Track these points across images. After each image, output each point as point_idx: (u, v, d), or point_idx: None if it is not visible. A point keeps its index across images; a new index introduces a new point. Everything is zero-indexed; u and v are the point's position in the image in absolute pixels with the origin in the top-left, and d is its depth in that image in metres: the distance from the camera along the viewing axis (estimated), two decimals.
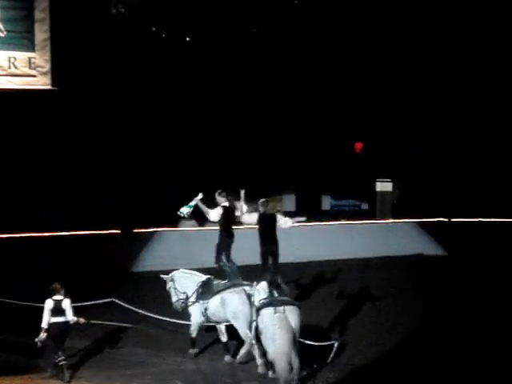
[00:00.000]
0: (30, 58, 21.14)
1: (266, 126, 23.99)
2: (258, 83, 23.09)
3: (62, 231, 20.49)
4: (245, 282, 14.65)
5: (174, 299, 15.01)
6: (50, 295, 13.54)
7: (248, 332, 14.01)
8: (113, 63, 21.79)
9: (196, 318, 14.81)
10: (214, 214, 16.27)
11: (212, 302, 14.59)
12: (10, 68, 21.05)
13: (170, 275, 15.12)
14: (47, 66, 21.21)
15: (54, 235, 20.38)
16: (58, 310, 13.38)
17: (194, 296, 14.81)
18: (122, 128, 22.17)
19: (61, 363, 13.49)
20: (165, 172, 22.68)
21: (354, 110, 24.95)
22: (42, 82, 21.19)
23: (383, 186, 25.98)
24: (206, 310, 14.65)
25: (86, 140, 21.98)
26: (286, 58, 23.10)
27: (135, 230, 21.19)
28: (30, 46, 21.13)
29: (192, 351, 14.78)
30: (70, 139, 21.95)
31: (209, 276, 15.12)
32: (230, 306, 14.35)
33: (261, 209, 16.32)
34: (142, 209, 21.38)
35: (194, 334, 14.81)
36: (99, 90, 21.69)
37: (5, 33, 20.94)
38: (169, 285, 15.06)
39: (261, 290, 13.46)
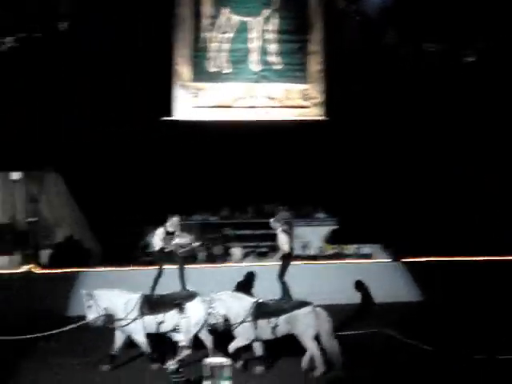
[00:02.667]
0: (303, 90, 21.63)
1: None
2: None
3: None
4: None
5: (91, 316, 14.65)
6: None
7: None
8: (384, 93, 21.53)
9: (141, 333, 14.75)
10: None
11: (170, 315, 14.77)
12: (284, 100, 21.65)
13: (89, 291, 14.82)
14: (320, 98, 21.58)
15: None
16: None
17: (135, 312, 14.72)
18: (394, 158, 21.80)
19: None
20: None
21: None
22: (315, 113, 21.61)
23: None
24: (160, 323, 14.78)
25: (354, 169, 21.81)
26: None
27: None
28: (304, 78, 21.62)
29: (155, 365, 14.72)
30: (338, 169, 21.90)
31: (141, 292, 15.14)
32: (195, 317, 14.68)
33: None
34: None
35: (148, 349, 14.83)
36: (371, 120, 21.49)
37: (282, 65, 21.57)
38: (89, 303, 14.68)
39: (228, 296, 14.63)
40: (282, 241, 15.67)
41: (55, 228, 22.34)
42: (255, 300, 14.95)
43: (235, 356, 14.43)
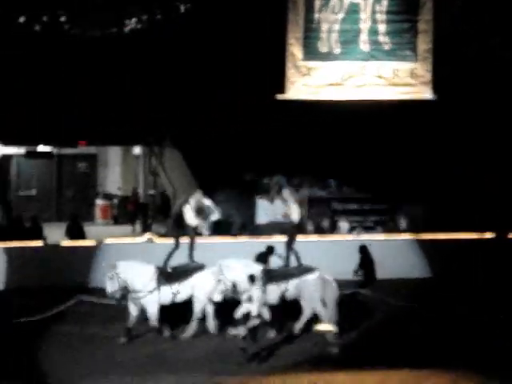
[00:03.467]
0: (412, 69, 22.04)
1: None
2: None
3: None
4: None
5: (110, 288, 14.83)
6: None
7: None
8: (491, 73, 21.68)
9: (155, 305, 15.04)
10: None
11: (185, 285, 15.23)
12: (393, 79, 22.10)
13: (112, 263, 15.09)
14: (428, 76, 21.95)
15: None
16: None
17: (153, 285, 15.00)
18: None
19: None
20: None
21: None
22: (423, 92, 21.99)
23: None
24: (175, 294, 15.20)
25: (462, 148, 22.15)
26: None
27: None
28: (413, 57, 22.05)
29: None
30: (447, 148, 22.28)
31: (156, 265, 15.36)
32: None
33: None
34: None
35: (157, 322, 15.20)
36: (478, 100, 21.73)
37: (390, 45, 22.04)
38: (111, 274, 14.85)
39: (236, 263, 14.91)
40: (294, 211, 15.73)
41: (173, 200, 23.60)
42: (263, 266, 15.32)
43: (240, 322, 14.47)
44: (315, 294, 15.01)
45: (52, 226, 22.22)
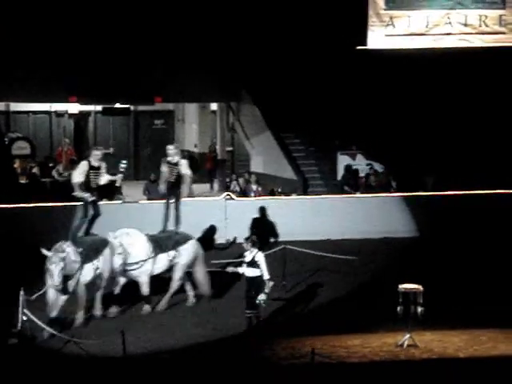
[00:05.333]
0: (500, 16, 21.19)
1: None
2: None
3: None
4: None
5: (59, 278, 12.83)
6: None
7: None
8: None
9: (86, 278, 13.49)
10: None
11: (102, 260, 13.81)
12: (480, 26, 21.32)
13: (59, 246, 13.09)
14: None
15: None
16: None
17: (80, 261, 13.29)
18: None
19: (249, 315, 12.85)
20: None
21: None
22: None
23: None
24: (96, 269, 13.64)
25: None
26: None
27: None
28: (501, 4, 21.15)
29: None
30: None
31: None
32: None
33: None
34: None
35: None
36: None
37: None
38: (59, 262, 12.87)
39: (126, 234, 14.08)
40: (187, 168, 14.80)
41: (251, 156, 23.22)
42: (147, 234, 14.40)
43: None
44: (188, 261, 14.39)
45: (130, 184, 21.90)
